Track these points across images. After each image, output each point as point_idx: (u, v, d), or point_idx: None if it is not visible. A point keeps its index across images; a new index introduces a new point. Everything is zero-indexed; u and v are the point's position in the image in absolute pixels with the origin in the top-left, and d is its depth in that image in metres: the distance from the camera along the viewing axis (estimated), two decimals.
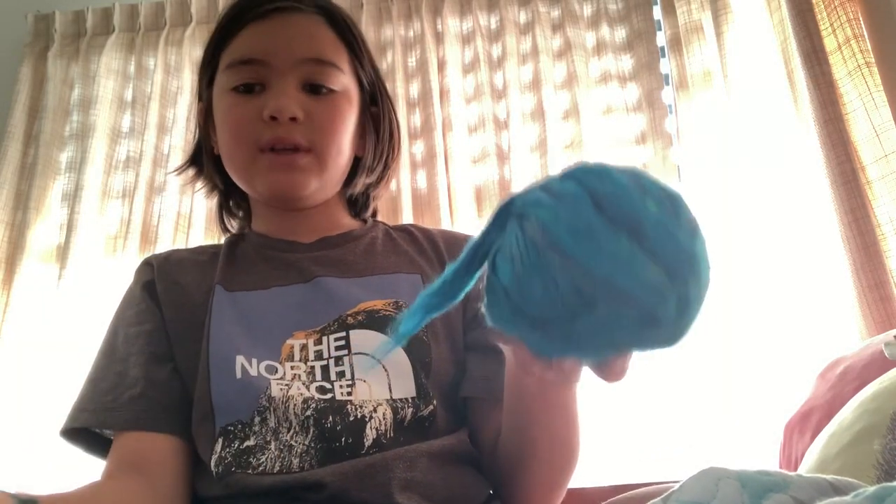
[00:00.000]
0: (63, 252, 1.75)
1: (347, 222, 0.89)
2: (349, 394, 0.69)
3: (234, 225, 0.93)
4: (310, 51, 0.80)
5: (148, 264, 0.84)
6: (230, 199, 0.91)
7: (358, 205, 0.91)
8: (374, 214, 0.95)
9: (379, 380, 0.71)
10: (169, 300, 0.79)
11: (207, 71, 0.85)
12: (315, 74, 0.79)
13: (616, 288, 0.38)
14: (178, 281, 0.80)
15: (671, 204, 0.41)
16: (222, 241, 0.89)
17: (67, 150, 1.89)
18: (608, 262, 0.39)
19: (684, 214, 0.42)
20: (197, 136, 0.90)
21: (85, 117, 1.90)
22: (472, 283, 0.45)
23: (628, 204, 0.40)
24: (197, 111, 0.90)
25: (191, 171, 0.91)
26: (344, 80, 0.82)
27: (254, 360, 0.71)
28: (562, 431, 0.67)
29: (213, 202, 1.83)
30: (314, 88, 0.79)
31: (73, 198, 1.81)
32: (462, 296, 0.45)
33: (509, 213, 0.43)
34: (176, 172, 0.95)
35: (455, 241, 0.88)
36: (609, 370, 0.44)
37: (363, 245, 0.85)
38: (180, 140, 1.84)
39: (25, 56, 1.96)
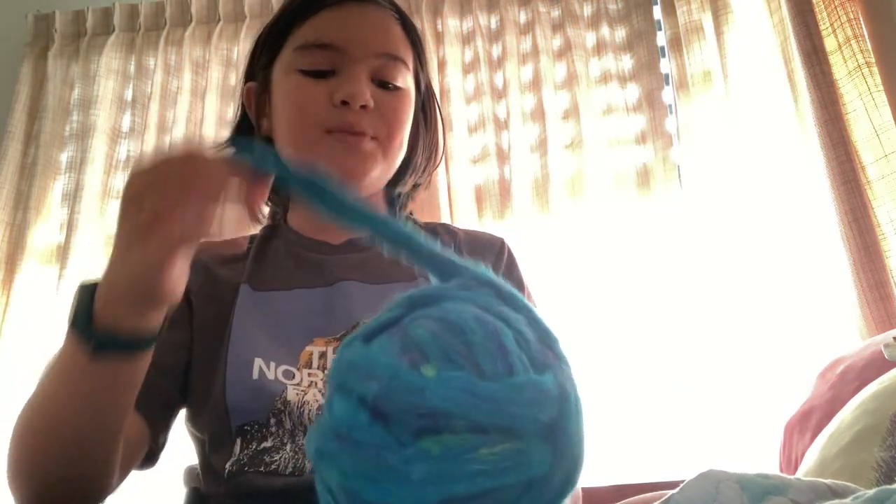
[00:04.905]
0: (63, 252, 1.75)
1: None
2: None
3: (264, 213, 0.92)
4: (385, 45, 0.81)
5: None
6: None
7: (397, 204, 0.92)
8: (410, 212, 0.96)
9: None
10: (202, 291, 0.79)
11: (268, 51, 0.84)
12: (385, 69, 0.80)
13: (461, 499, 0.32)
14: (211, 271, 0.81)
15: (450, 348, 0.34)
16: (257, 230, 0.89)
17: (67, 150, 1.89)
18: (427, 485, 0.32)
19: (476, 348, 0.34)
20: (239, 116, 0.89)
21: (85, 117, 1.90)
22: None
23: (404, 394, 0.33)
24: (244, 91, 0.88)
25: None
26: (408, 79, 0.83)
27: (272, 364, 0.71)
28: None
29: None
30: (381, 83, 0.80)
31: (73, 198, 1.81)
32: None
33: None
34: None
35: (478, 242, 0.88)
36: None
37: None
38: (180, 140, 1.84)
39: (25, 56, 1.96)
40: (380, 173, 0.81)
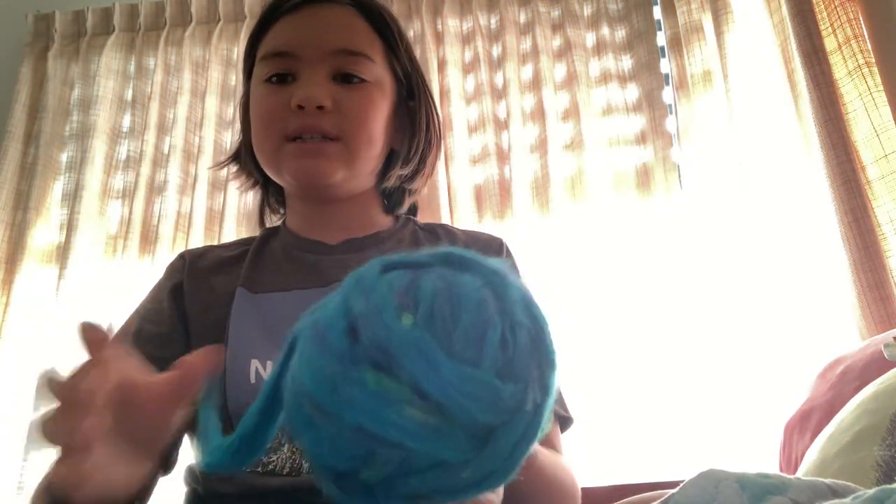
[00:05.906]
0: (63, 252, 1.75)
1: (379, 220, 0.88)
2: None
3: (273, 221, 0.92)
4: (340, 41, 0.80)
5: (181, 259, 0.84)
6: (270, 194, 0.91)
7: (393, 199, 0.90)
8: (414, 211, 0.94)
9: None
10: (196, 298, 0.79)
11: (246, 66, 0.86)
12: (346, 65, 0.79)
13: (374, 436, 0.33)
14: (208, 279, 0.81)
15: (438, 313, 0.35)
16: (258, 233, 0.90)
17: (67, 150, 1.90)
18: (349, 408, 0.33)
19: (460, 325, 0.35)
20: (241, 132, 0.91)
21: (85, 117, 1.90)
22: (273, 433, 0.40)
23: (377, 325, 0.34)
24: (239, 106, 0.90)
25: (233, 167, 0.92)
26: (376, 71, 0.81)
27: (269, 364, 0.71)
28: None
29: (217, 202, 1.82)
30: (345, 78, 0.79)
31: (73, 198, 1.81)
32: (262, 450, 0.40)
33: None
34: (215, 168, 0.94)
35: (477, 243, 0.87)
36: None
37: (387, 249, 0.84)
38: (180, 140, 1.84)
39: (25, 56, 1.96)
40: (349, 174, 0.79)
